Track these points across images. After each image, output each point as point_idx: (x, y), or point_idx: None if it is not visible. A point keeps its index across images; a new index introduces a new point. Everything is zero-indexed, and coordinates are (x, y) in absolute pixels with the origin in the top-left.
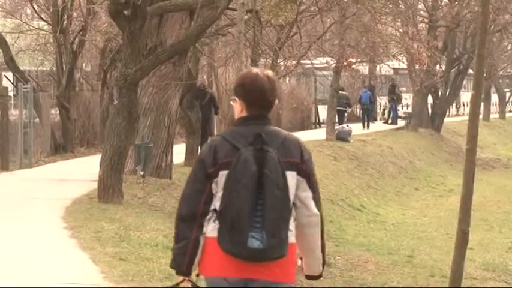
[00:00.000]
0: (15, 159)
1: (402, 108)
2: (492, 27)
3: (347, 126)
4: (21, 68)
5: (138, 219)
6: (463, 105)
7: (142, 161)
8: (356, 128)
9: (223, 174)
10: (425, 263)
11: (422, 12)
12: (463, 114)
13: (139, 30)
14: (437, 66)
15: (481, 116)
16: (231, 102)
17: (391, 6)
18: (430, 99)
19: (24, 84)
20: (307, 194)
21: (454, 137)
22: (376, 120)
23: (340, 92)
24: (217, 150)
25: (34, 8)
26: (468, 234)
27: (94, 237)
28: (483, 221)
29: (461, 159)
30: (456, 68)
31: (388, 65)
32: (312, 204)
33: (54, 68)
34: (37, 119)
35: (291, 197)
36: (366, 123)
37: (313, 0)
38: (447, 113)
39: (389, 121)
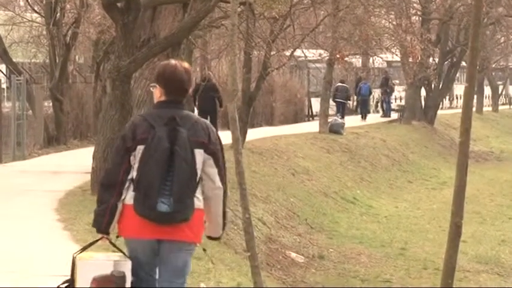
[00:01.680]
0: (8, 151)
1: (395, 101)
2: (485, 20)
3: (340, 118)
4: (14, 60)
5: None
6: (456, 98)
7: None
8: (352, 120)
9: (140, 149)
10: (418, 256)
11: (415, 5)
12: (456, 106)
13: (133, 23)
14: (431, 59)
15: (474, 109)
16: (151, 89)
17: None
18: (423, 92)
19: (17, 77)
20: (213, 170)
21: (447, 129)
22: (369, 113)
23: (340, 84)
24: (136, 128)
25: (27, 0)
26: (461, 227)
27: (87, 229)
28: (476, 214)
29: (454, 152)
30: (449, 60)
31: (381, 58)
32: (217, 179)
33: (48, 60)
34: (30, 111)
35: (198, 170)
36: (364, 115)
37: None
38: (440, 106)
39: (381, 114)
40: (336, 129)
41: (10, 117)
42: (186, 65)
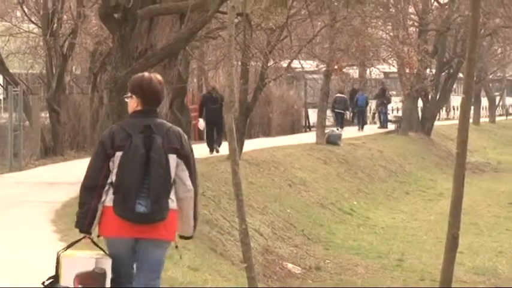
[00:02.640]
0: (5, 162)
1: (392, 112)
2: (482, 31)
3: (337, 129)
4: (11, 71)
5: None
6: (453, 109)
7: None
8: (349, 131)
9: (118, 155)
10: (415, 267)
11: (412, 16)
12: (453, 118)
13: (130, 34)
14: (428, 70)
15: (471, 120)
16: (126, 99)
17: (381, 10)
18: (420, 103)
19: (14, 87)
20: (185, 174)
21: (444, 140)
22: (366, 123)
23: (339, 94)
24: (115, 136)
25: (24, 11)
26: (458, 238)
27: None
28: (473, 225)
29: (451, 163)
30: (446, 71)
31: (379, 69)
32: (189, 182)
33: (44, 71)
34: (27, 122)
35: (172, 174)
36: (361, 125)
37: (303, 4)
38: (437, 117)
39: (378, 125)
40: (333, 140)
41: (7, 128)
42: (159, 77)
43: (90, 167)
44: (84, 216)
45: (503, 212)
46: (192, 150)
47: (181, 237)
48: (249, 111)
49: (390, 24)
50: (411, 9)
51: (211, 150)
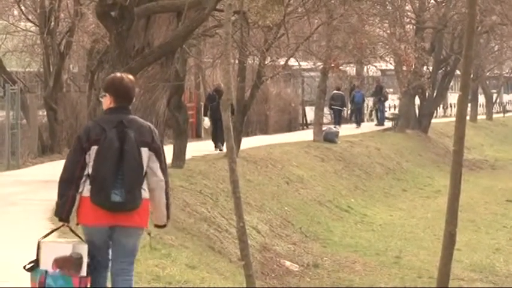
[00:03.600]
0: (2, 160)
1: (389, 110)
2: (479, 28)
3: (334, 127)
4: (8, 69)
5: None
6: (450, 106)
7: None
8: (346, 129)
9: (94, 149)
10: (412, 264)
11: (409, 14)
12: (450, 115)
13: (127, 32)
14: (425, 67)
15: (468, 117)
16: (100, 98)
17: (378, 7)
18: (417, 101)
19: (11, 86)
20: (156, 165)
21: (441, 138)
22: (363, 121)
23: (336, 91)
24: (90, 131)
25: (21, 9)
26: (455, 235)
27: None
28: (470, 222)
29: (449, 161)
30: (443, 69)
31: (375, 66)
32: (159, 173)
33: (42, 70)
34: (24, 121)
35: (144, 166)
36: (358, 122)
37: (300, 2)
38: (434, 114)
39: (376, 122)
40: (330, 138)
41: (4, 127)
42: (130, 77)
43: (68, 161)
44: (63, 205)
45: (501, 209)
46: (162, 143)
47: (156, 226)
48: (246, 109)
49: (387, 21)
50: (408, 7)
51: (216, 147)
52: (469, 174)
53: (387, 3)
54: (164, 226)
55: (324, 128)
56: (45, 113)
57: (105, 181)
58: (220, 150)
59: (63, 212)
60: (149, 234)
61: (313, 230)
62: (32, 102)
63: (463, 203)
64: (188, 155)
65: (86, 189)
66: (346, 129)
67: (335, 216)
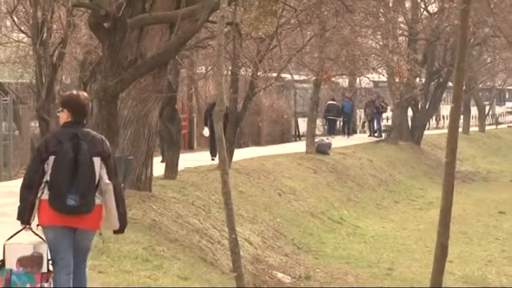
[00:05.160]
0: None
1: (382, 121)
2: (472, 40)
3: (327, 139)
4: (0, 81)
5: None
6: (443, 118)
7: (122, 174)
8: (339, 141)
9: (51, 159)
10: (404, 276)
11: (402, 25)
12: (443, 127)
13: (120, 43)
14: (417, 79)
15: (460, 129)
16: (57, 114)
17: (371, 19)
18: (410, 112)
19: (3, 97)
20: (104, 172)
21: (433, 150)
22: (356, 133)
23: (331, 102)
24: (49, 143)
25: (14, 20)
26: (447, 247)
27: None
28: (462, 234)
29: (441, 172)
30: (436, 81)
31: (368, 78)
32: (106, 178)
33: (34, 81)
34: (17, 132)
35: (96, 173)
36: (348, 132)
37: (293, 13)
38: (427, 126)
39: (375, 134)
40: (322, 150)
41: None
42: (85, 94)
43: (29, 169)
44: (24, 210)
45: (493, 221)
46: (112, 152)
47: (115, 232)
48: (238, 121)
49: (380, 33)
50: (401, 19)
51: (214, 157)
52: (461, 186)
53: (380, 15)
54: (121, 232)
55: (316, 140)
56: (37, 124)
57: (62, 187)
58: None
59: (24, 215)
60: (100, 234)
61: (306, 242)
62: (25, 114)
63: (455, 214)
64: (181, 166)
65: (44, 194)
66: (339, 141)
67: (327, 227)
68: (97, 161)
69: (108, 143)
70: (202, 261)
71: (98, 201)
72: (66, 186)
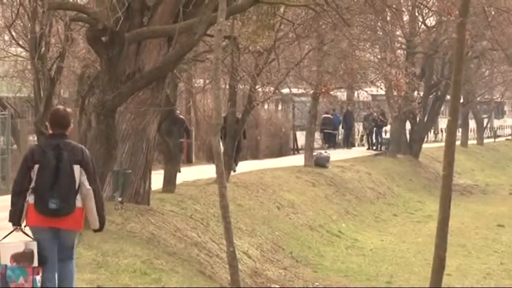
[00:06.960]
0: None
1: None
2: (470, 53)
3: (325, 152)
4: None
5: (116, 245)
6: (441, 131)
7: (120, 188)
8: (337, 154)
9: (36, 167)
10: None
11: (400, 39)
12: (441, 140)
13: (117, 57)
14: (415, 93)
15: (458, 142)
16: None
17: (369, 32)
18: (408, 125)
19: (2, 111)
20: (85, 178)
21: (432, 163)
22: (354, 146)
23: (326, 115)
24: (34, 153)
25: (12, 35)
26: (444, 259)
27: None
28: (461, 247)
29: (439, 185)
30: (434, 94)
31: (366, 91)
32: (87, 183)
33: (32, 95)
34: (15, 146)
35: (77, 179)
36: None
37: (291, 27)
38: (425, 139)
39: (374, 147)
40: (321, 163)
41: None
42: (68, 109)
43: (18, 176)
44: (14, 212)
45: (491, 234)
46: (92, 160)
47: (94, 230)
48: (237, 134)
49: (378, 46)
50: (399, 32)
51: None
52: (459, 199)
53: (378, 28)
54: (100, 230)
55: (314, 153)
56: (35, 138)
57: (44, 192)
58: (234, 171)
59: (15, 218)
60: (81, 234)
61: (304, 255)
62: (23, 128)
63: (453, 227)
64: (179, 179)
65: (31, 198)
66: (337, 154)
67: (326, 241)
68: (77, 168)
69: (87, 152)
70: (201, 275)
71: (78, 204)
72: (48, 191)
